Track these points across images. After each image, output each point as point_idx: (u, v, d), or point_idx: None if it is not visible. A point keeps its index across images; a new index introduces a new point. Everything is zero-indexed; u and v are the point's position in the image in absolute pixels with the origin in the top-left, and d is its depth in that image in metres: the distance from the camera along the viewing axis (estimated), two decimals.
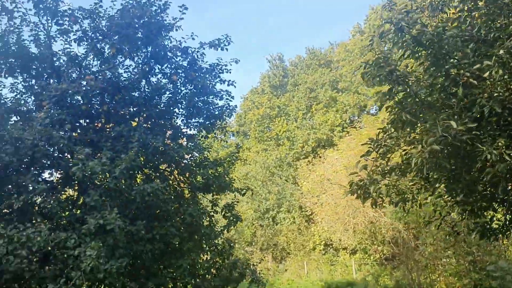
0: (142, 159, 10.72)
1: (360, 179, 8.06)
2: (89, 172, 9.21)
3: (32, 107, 11.85)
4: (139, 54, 12.72)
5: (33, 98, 12.22)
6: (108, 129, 11.40)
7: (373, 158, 8.15)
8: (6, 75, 12.18)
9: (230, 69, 12.94)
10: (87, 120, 11.54)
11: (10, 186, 10.30)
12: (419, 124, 7.26)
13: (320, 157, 28.95)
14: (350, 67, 37.17)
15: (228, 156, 12.65)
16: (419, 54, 7.55)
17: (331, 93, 37.91)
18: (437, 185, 8.14)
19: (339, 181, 23.87)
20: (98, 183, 9.65)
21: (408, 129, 7.70)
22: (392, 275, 22.62)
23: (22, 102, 12.23)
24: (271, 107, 41.03)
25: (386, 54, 7.48)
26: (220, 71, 12.98)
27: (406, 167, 7.94)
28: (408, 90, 7.47)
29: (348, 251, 27.35)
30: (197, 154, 12.43)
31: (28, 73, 12.22)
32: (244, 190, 12.78)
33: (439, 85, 7.33)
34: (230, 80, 13.06)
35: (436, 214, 9.33)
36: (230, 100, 13.36)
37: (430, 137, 6.30)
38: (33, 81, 12.34)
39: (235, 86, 13.30)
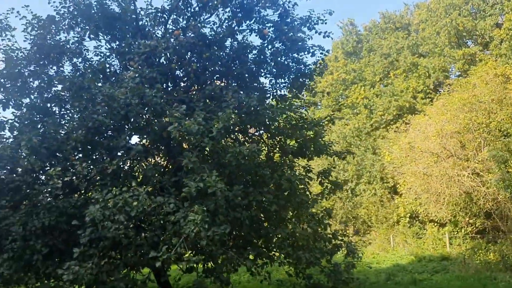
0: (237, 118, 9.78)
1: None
2: (185, 132, 8.45)
3: (118, 69, 11.33)
4: (225, 9, 11.79)
5: (118, 60, 11.70)
6: (199, 89, 10.61)
7: None
8: (90, 37, 11.74)
9: (326, 20, 11.63)
10: (177, 80, 10.80)
11: (102, 150, 9.85)
12: None
13: (406, 124, 26.93)
14: (434, 28, 34.24)
15: (326, 116, 11.42)
16: None
17: (412, 58, 35.26)
18: None
19: (430, 148, 21.99)
20: (195, 144, 8.85)
21: None
22: (487, 250, 20.68)
23: (107, 65, 11.78)
24: (347, 72, 39.01)
25: None
26: (314, 22, 11.70)
27: None
28: None
29: (436, 224, 25.49)
30: (292, 115, 11.31)
31: (111, 34, 11.70)
32: (344, 154, 11.60)
33: None
34: (326, 32, 11.75)
35: None
36: (325, 55, 12.12)
37: None
38: (117, 43, 11.81)
39: (332, 38, 12.03)
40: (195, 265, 7.74)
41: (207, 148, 8.61)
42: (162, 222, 8.97)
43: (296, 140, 11.34)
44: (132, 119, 9.14)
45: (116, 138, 9.59)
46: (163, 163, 11.25)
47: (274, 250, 10.65)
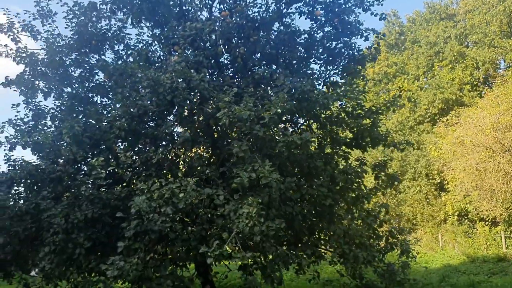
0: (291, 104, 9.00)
1: None
2: (235, 119, 7.79)
3: (162, 55, 10.81)
4: None
5: (161, 47, 11.18)
6: (247, 74, 9.93)
7: None
8: (132, 23, 11.26)
9: (382, 1, 10.73)
10: (223, 64, 10.17)
11: (147, 139, 9.34)
12: None
13: (456, 117, 25.49)
14: (484, 17, 32.44)
15: (388, 102, 10.48)
16: None
17: (459, 47, 33.57)
18: None
19: (484, 142, 20.63)
20: (245, 132, 8.16)
21: None
22: None
23: (150, 52, 11.29)
24: (388, 65, 37.59)
25: None
26: (369, 3, 10.82)
27: None
28: None
29: (487, 223, 24.02)
30: (348, 102, 10.44)
31: (154, 21, 11.16)
32: (403, 144, 10.67)
33: None
34: (383, 14, 10.84)
35: None
36: (381, 38, 11.22)
37: None
38: (159, 30, 11.28)
39: (389, 20, 11.12)
40: (249, 263, 7.07)
41: (259, 135, 7.89)
42: (209, 215, 8.37)
43: (351, 130, 10.50)
44: (177, 106, 8.53)
45: (160, 126, 9.04)
46: (206, 154, 10.67)
47: (327, 247, 9.88)
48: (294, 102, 9.29)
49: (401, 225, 29.86)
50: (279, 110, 7.93)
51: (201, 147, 9.45)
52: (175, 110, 8.99)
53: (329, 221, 9.66)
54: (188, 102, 8.60)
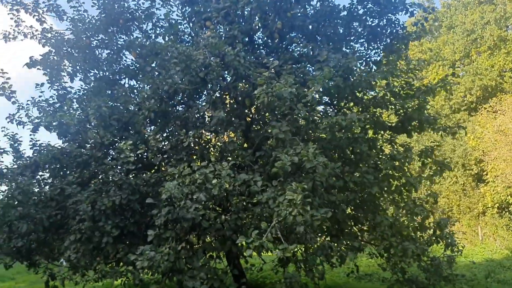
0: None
1: None
2: (275, 97, 7.05)
3: (193, 32, 10.13)
4: None
5: (191, 24, 10.51)
6: (285, 50, 9.17)
7: None
8: (162, 0, 10.64)
9: None
10: (259, 40, 9.44)
11: (177, 121, 8.72)
12: None
13: (499, 104, 24.09)
14: None
15: (439, 81, 9.54)
16: None
17: (499, 31, 31.86)
18: None
19: None
20: (285, 112, 7.42)
21: None
22: None
23: (180, 32, 10.64)
24: (422, 51, 36.07)
25: None
26: None
27: None
28: None
29: None
30: (396, 81, 9.54)
31: None
32: (454, 128, 9.74)
33: None
34: None
35: None
36: (430, 12, 10.29)
37: None
38: (189, 8, 10.61)
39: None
40: (291, 255, 6.37)
41: (301, 115, 7.16)
42: (244, 203, 7.71)
43: (396, 112, 9.63)
44: (210, 84, 7.85)
45: (191, 108, 8.41)
46: (240, 137, 9.97)
47: (375, 240, 9.10)
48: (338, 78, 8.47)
49: (436, 217, 28.70)
50: (320, 89, 7.14)
51: (234, 131, 8.72)
52: (207, 89, 8.31)
53: (373, 211, 8.87)
54: (221, 79, 7.89)
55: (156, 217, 7.17)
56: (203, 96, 8.86)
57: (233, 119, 8.68)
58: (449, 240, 10.28)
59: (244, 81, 8.17)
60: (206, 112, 8.47)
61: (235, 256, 8.69)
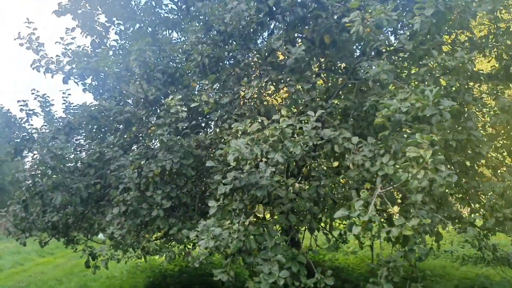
0: None
1: None
2: (373, 26, 5.35)
3: None
4: None
5: None
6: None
7: None
8: None
9: None
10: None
11: (236, 70, 7.12)
12: None
13: None
14: None
15: None
16: None
17: None
18: None
19: None
20: (381, 47, 5.72)
21: None
22: None
23: None
24: None
25: None
26: None
27: None
28: None
29: None
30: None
31: None
32: None
33: None
34: None
35: None
36: None
37: None
38: None
39: None
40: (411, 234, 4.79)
41: (406, 49, 5.46)
42: (326, 168, 6.13)
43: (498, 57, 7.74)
44: (280, 16, 6.19)
45: (252, 51, 6.80)
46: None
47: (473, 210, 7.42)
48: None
49: None
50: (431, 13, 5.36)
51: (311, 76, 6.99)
52: (278, 20, 6.63)
53: (478, 176, 7.15)
54: (296, 7, 6.18)
55: (219, 185, 5.67)
56: (266, 35, 7.21)
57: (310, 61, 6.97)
58: None
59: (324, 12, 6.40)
60: (278, 51, 6.79)
61: (312, 233, 7.14)
